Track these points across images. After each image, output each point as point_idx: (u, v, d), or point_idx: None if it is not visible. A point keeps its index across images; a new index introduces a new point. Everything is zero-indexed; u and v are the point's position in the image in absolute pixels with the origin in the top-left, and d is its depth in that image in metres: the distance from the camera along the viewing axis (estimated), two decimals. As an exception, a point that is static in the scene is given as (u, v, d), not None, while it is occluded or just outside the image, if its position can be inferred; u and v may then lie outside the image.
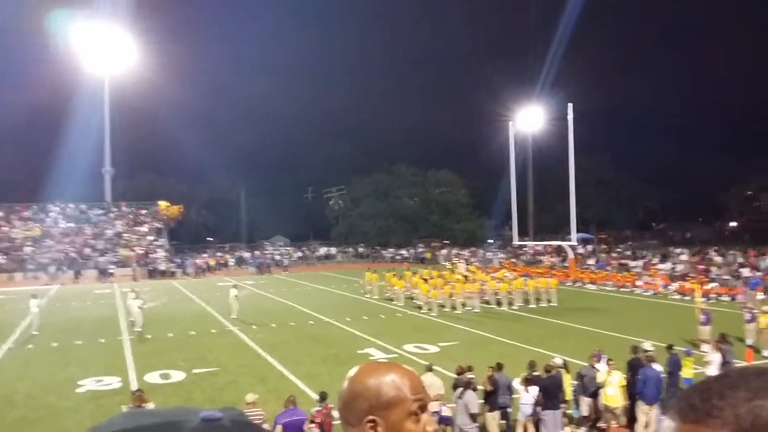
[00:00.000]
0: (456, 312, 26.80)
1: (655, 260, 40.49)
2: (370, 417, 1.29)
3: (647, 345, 13.48)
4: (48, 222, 58.68)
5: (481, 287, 29.51)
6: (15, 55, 63.32)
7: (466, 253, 60.17)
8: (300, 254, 65.41)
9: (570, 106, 39.38)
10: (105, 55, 60.41)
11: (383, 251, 67.66)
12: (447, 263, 48.64)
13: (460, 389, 11.28)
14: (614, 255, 46.63)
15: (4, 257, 51.37)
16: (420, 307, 27.67)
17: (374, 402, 1.30)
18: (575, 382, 12.68)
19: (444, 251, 62.71)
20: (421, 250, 65.42)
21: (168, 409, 0.78)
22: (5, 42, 61.90)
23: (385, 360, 14.36)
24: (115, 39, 59.73)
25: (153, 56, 65.43)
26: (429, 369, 12.39)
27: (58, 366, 17.85)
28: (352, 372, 1.38)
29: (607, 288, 35.66)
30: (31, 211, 59.72)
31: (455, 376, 12.30)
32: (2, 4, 60.73)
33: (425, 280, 29.83)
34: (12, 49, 62.20)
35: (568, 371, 12.69)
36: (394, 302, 30.18)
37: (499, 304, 28.53)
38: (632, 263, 40.71)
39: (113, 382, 15.78)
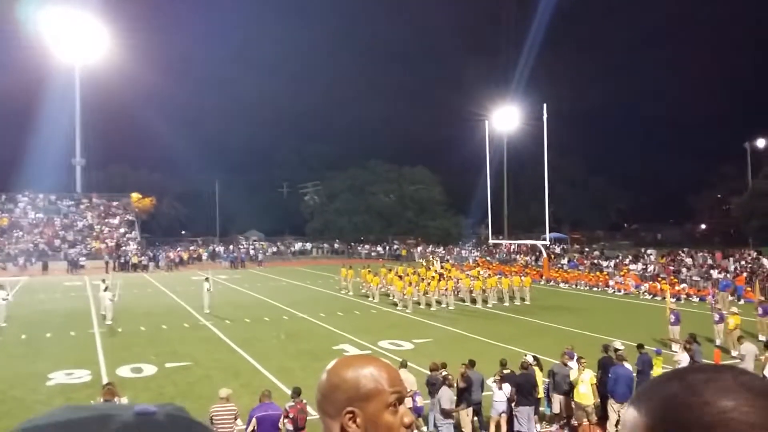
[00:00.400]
0: (431, 309, 26.93)
1: (627, 261, 41.12)
2: (349, 408, 1.30)
3: (618, 344, 13.68)
4: (17, 212, 57.64)
5: (455, 285, 29.69)
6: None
7: (441, 250, 60.46)
8: (275, 249, 65.10)
9: (545, 106, 39.81)
10: (76, 43, 59.38)
11: (359, 247, 67.66)
12: (422, 260, 48.83)
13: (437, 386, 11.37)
14: (587, 255, 47.24)
15: (-29, 247, 50.31)
16: (395, 304, 27.74)
17: (353, 394, 1.32)
18: (547, 380, 12.84)
19: (419, 248, 62.94)
20: (396, 246, 65.57)
21: (105, 404, 0.78)
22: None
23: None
24: (87, 26, 58.75)
25: (126, 45, 64.58)
26: (403, 365, 12.42)
27: (27, 359, 17.56)
28: (330, 364, 1.39)
29: (580, 287, 36.12)
30: (-1, 201, 58.55)
31: (429, 372, 12.37)
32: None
33: (400, 276, 29.91)
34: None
35: (540, 368, 12.85)
36: (369, 299, 30.22)
37: (473, 302, 28.72)
38: (604, 263, 41.30)
39: (84, 376, 15.57)
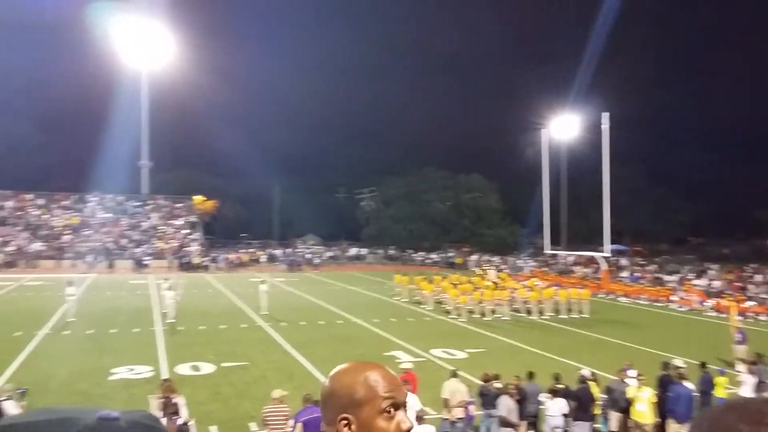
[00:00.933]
0: (485, 319, 26.70)
1: (691, 275, 39.74)
2: (344, 415, 1.34)
3: (679, 362, 13.29)
4: (86, 212, 60.09)
5: (511, 295, 29.34)
6: (58, 47, 64.93)
7: (496, 259, 59.83)
8: (331, 253, 65.75)
9: (606, 115, 38.93)
10: (144, 49, 61.62)
11: (413, 254, 67.64)
12: (477, 269, 48.41)
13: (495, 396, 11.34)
14: (649, 268, 45.88)
15: (44, 245, 52.77)
16: (449, 312, 27.62)
17: (347, 400, 1.35)
18: (604, 396, 12.56)
19: (474, 257, 62.43)
20: (451, 254, 65.21)
21: (71, 408, 0.81)
22: (49, 34, 63.57)
23: (411, 363, 14.41)
24: (154, 34, 60.89)
25: (191, 52, 66.60)
26: (454, 375, 12.37)
27: (93, 354, 18.29)
28: (333, 371, 1.43)
29: (641, 302, 35.10)
30: (70, 201, 61.23)
31: (481, 383, 12.29)
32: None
33: (454, 285, 29.78)
34: (55, 41, 63.82)
35: (597, 384, 12.59)
36: (422, 306, 30.19)
37: (529, 312, 28.31)
38: (667, 277, 40.01)
39: (145, 372, 16.11)
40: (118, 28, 60.15)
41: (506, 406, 11.26)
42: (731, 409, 0.76)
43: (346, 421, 1.33)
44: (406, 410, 1.44)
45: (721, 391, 13.00)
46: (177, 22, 63.35)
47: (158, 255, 53.63)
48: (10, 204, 57.92)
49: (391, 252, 69.37)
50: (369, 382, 1.36)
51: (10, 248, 50.70)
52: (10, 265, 47.77)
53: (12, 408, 10.44)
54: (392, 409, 1.36)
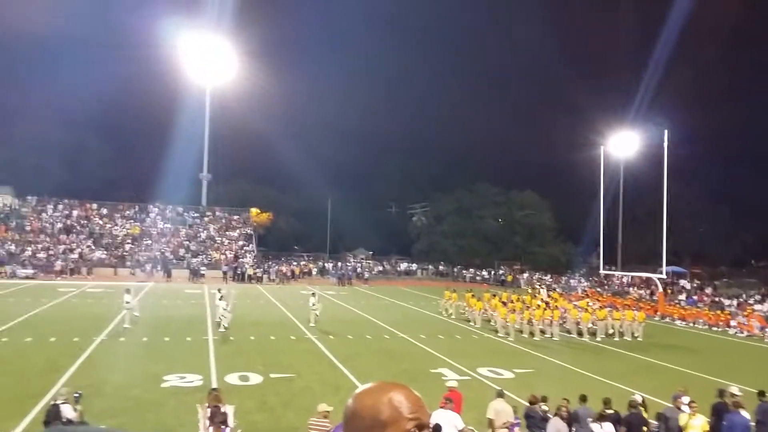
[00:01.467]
0: (534, 338, 26.27)
1: (752, 300, 38.16)
2: None
3: (735, 389, 12.78)
4: (148, 222, 62.11)
5: (562, 315, 28.78)
6: (125, 59, 67.64)
7: (548, 278, 58.85)
8: (381, 268, 65.97)
9: (665, 132, 38.00)
10: (208, 65, 63.67)
11: (464, 271, 67.18)
12: (528, 287, 47.72)
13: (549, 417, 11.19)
14: (707, 291, 44.27)
15: (106, 253, 54.75)
16: (497, 331, 27.30)
17: (370, 422, 1.35)
18: (655, 423, 12.19)
19: (526, 275, 61.57)
20: (502, 272, 64.49)
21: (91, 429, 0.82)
22: (118, 50, 66.31)
23: (456, 380, 14.32)
24: (219, 50, 62.85)
25: (251, 68, 68.43)
26: (500, 395, 12.23)
27: (147, 360, 18.85)
28: (356, 391, 1.44)
29: (698, 326, 33.89)
30: (132, 211, 63.42)
31: (527, 404, 12.12)
32: (118, 10, 65.13)
33: (504, 303, 29.43)
34: (123, 54, 66.48)
35: (646, 410, 12.23)
36: (470, 323, 29.94)
37: (580, 334, 27.70)
38: (727, 301, 38.53)
39: (195, 380, 16.49)
40: (183, 45, 62.41)
41: (556, 427, 11.07)
42: None
43: None
44: (431, 430, 1.45)
45: (780, 423, 12.43)
46: (238, 39, 65.25)
47: (214, 265, 54.89)
48: (75, 213, 60.38)
49: (441, 268, 69.07)
50: (393, 403, 1.36)
51: (73, 255, 52.79)
52: (73, 271, 49.71)
53: (68, 411, 10.88)
54: (416, 430, 1.35)
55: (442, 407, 10.87)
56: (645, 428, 11.58)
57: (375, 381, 1.49)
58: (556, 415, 11.33)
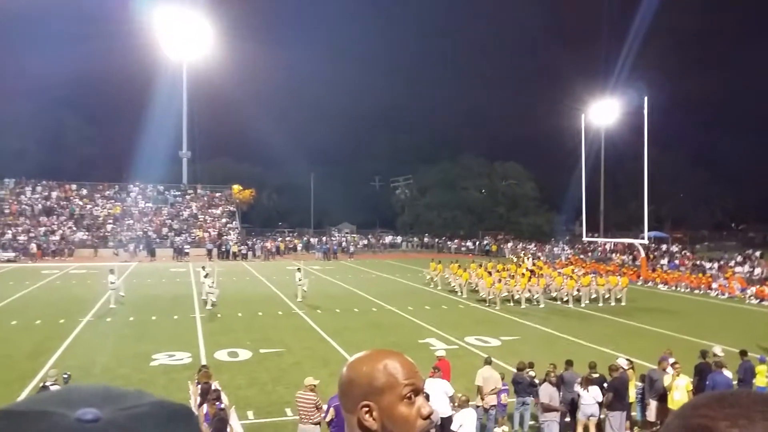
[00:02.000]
0: (521, 307, 26.56)
1: (732, 262, 38.82)
2: (365, 402, 1.35)
3: (717, 350, 13.05)
4: (128, 201, 61.49)
5: (547, 283, 29.09)
6: (100, 36, 66.28)
7: (532, 247, 59.34)
8: (366, 242, 66.07)
9: (645, 99, 38.13)
10: (184, 40, 62.54)
11: (449, 242, 67.51)
12: (513, 257, 48.10)
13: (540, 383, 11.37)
14: (689, 255, 44.94)
15: (87, 234, 54.25)
16: (484, 300, 27.54)
17: (367, 388, 1.36)
18: (639, 384, 12.43)
19: (510, 244, 62.03)
20: (486, 242, 64.90)
21: (56, 399, 0.74)
22: (92, 26, 64.94)
23: (445, 350, 14.46)
24: (195, 25, 61.73)
25: (230, 43, 67.45)
26: (488, 362, 12.38)
27: (134, 340, 18.82)
28: (350, 359, 1.45)
29: (680, 290, 34.44)
30: (113, 191, 62.74)
31: (515, 371, 12.28)
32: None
33: (489, 272, 29.65)
34: (98, 30, 65.16)
35: (634, 372, 12.46)
36: (457, 294, 30.17)
37: (566, 301, 28.04)
38: (708, 265, 39.15)
39: (184, 358, 16.51)
40: (159, 20, 61.17)
41: (547, 392, 11.23)
42: (712, 400, 0.77)
43: (367, 408, 1.35)
44: (425, 396, 1.47)
45: (762, 380, 12.75)
46: (216, 13, 64.17)
47: (198, 243, 54.63)
48: (55, 194, 59.60)
49: (426, 240, 69.34)
50: (389, 369, 1.38)
51: (55, 237, 52.25)
52: (55, 253, 49.25)
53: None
54: (413, 395, 1.37)
55: (431, 377, 11.00)
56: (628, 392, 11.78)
57: (367, 350, 1.48)
58: (545, 380, 11.49)
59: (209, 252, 51.70)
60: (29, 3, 65.31)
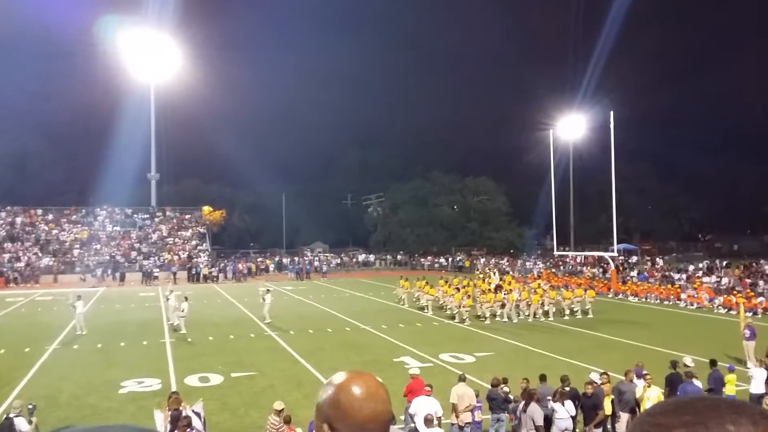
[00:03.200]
0: (484, 322, 26.56)
1: (700, 273, 39.50)
2: (323, 425, 1.38)
3: (688, 360, 13.21)
4: (96, 225, 60.45)
5: (517, 299, 29.15)
6: (65, 59, 65.54)
7: (504, 262, 59.69)
8: (338, 261, 65.84)
9: (611, 114, 38.88)
10: (151, 62, 62.11)
11: (422, 259, 67.59)
12: (478, 272, 48.33)
13: (522, 402, 11.19)
14: (657, 267, 45.63)
15: (53, 259, 53.11)
16: (453, 317, 27.51)
17: (328, 411, 1.39)
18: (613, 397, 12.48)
19: (483, 260, 62.33)
20: (459, 258, 65.12)
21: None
22: (57, 46, 64.12)
23: (419, 368, 14.37)
24: (161, 47, 61.40)
25: (196, 64, 67.23)
26: (462, 379, 12.35)
27: (102, 367, 18.37)
28: (331, 378, 1.47)
29: (650, 301, 34.90)
30: (79, 215, 61.62)
31: (489, 387, 12.26)
32: (55, 10, 63.03)
33: (458, 289, 29.62)
34: (63, 53, 64.39)
35: (603, 383, 12.53)
36: (425, 311, 30.10)
37: (534, 315, 28.06)
38: (676, 276, 39.78)
39: (154, 384, 16.16)
40: (125, 42, 60.74)
41: (538, 413, 10.98)
42: (668, 408, 0.78)
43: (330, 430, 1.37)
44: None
45: (731, 389, 12.91)
46: (182, 35, 63.91)
47: (167, 266, 53.83)
48: (20, 219, 58.34)
49: (400, 257, 69.34)
50: (348, 398, 1.39)
51: (20, 263, 51.04)
52: (20, 280, 48.08)
53: (22, 424, 10.52)
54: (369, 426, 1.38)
55: (426, 395, 11.08)
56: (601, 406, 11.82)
57: (344, 371, 1.51)
58: (531, 400, 11.26)
59: (174, 275, 50.50)
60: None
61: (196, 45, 66.26)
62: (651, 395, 11.58)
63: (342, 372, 1.48)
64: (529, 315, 28.08)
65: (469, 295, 27.97)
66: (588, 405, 11.55)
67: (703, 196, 76.04)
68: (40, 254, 53.52)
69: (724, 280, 36.22)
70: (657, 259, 52.14)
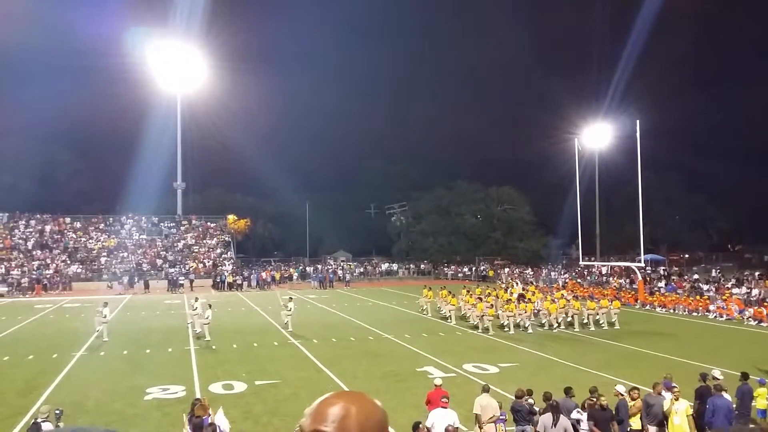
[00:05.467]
0: (509, 332, 26.31)
1: (730, 284, 38.74)
2: None
3: (717, 372, 12.92)
4: (123, 233, 61.27)
5: (536, 308, 28.89)
6: (94, 70, 66.73)
7: (529, 271, 59.19)
8: (362, 269, 65.86)
9: (637, 122, 38.44)
10: (178, 73, 63.04)
11: (445, 268, 67.31)
12: (500, 282, 47.95)
13: (550, 414, 11.05)
14: (686, 278, 44.87)
15: (81, 267, 53.92)
16: (476, 327, 27.31)
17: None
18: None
19: (507, 270, 61.87)
20: (483, 267, 64.72)
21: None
22: (85, 58, 65.30)
23: (442, 378, 14.27)
24: (188, 58, 62.30)
25: (222, 75, 68.02)
26: (485, 390, 12.22)
27: (128, 373, 18.56)
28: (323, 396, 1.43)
29: (678, 312, 34.31)
30: (107, 223, 62.51)
31: (514, 398, 12.12)
32: (83, 23, 64.34)
33: (480, 298, 29.43)
34: (91, 65, 65.55)
35: (632, 399, 12.31)
36: (448, 320, 29.93)
37: (551, 326, 27.76)
38: (705, 287, 39.06)
39: (178, 391, 16.26)
40: (152, 54, 61.76)
41: (568, 425, 10.89)
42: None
43: None
44: None
45: (762, 402, 12.61)
46: (208, 46, 64.77)
47: (192, 274, 54.33)
48: (49, 228, 59.38)
49: (423, 266, 69.16)
50: (321, 419, 1.37)
51: (49, 271, 51.90)
52: (49, 287, 48.88)
53: (49, 429, 10.65)
54: None
55: (443, 407, 10.97)
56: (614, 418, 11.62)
57: (332, 393, 1.45)
58: (554, 411, 11.16)
59: (191, 282, 51.05)
60: (22, 38, 65.81)
61: (221, 56, 67.09)
62: (679, 408, 11.34)
63: (328, 394, 1.44)
64: (545, 324, 27.80)
65: (491, 305, 27.76)
66: (604, 418, 11.29)
67: (733, 206, 74.69)
68: (68, 262, 54.38)
69: (755, 291, 35.46)
70: (686, 270, 51.24)
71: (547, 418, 10.99)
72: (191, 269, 55.83)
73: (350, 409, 1.36)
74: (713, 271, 49.79)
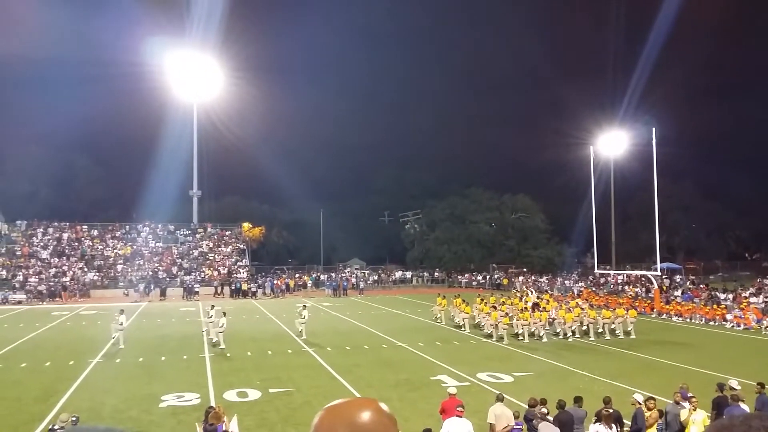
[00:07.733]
0: (524, 341, 26.18)
1: (747, 293, 38.29)
2: None
3: (734, 383, 12.79)
4: (139, 241, 61.74)
5: (550, 317, 28.72)
6: (111, 80, 67.52)
7: (543, 280, 58.87)
8: (375, 277, 65.83)
9: (653, 130, 38.21)
10: (194, 82, 63.62)
11: (459, 276, 67.13)
12: (515, 290, 47.73)
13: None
14: (703, 286, 44.40)
15: (98, 274, 54.40)
16: (491, 335, 27.21)
17: None
18: (662, 421, 12.15)
19: (521, 278, 61.58)
20: (497, 276, 64.47)
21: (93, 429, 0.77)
22: (102, 67, 66.11)
23: (456, 387, 14.23)
24: (204, 67, 62.87)
25: (238, 84, 68.57)
26: (500, 399, 12.20)
27: (143, 381, 18.67)
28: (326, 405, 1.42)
29: (694, 321, 33.96)
30: (123, 231, 63.04)
31: (527, 407, 12.07)
32: (101, 33, 65.14)
33: (495, 307, 29.32)
34: (108, 74, 66.33)
35: (649, 409, 12.22)
36: (462, 329, 29.83)
37: (566, 335, 27.57)
38: (722, 296, 38.62)
39: (193, 399, 16.35)
40: (169, 63, 62.37)
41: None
42: (722, 429, 0.76)
43: None
44: None
45: (781, 414, 12.44)
46: (225, 56, 65.38)
47: (208, 282, 54.62)
48: (66, 235, 59.99)
49: (437, 274, 68.99)
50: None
51: (66, 278, 52.41)
52: (65, 295, 49.34)
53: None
54: None
55: (458, 416, 10.96)
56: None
57: (343, 399, 1.43)
58: (543, 420, 11.20)
59: (215, 290, 51.45)
60: (42, 48, 66.81)
61: (237, 66, 67.67)
62: (696, 419, 11.25)
63: (338, 400, 1.42)
64: (559, 333, 27.63)
65: (506, 314, 27.65)
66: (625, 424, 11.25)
67: (750, 214, 73.88)
68: (85, 269, 54.90)
69: (773, 301, 35.00)
70: (703, 278, 50.69)
71: (546, 427, 10.97)
72: (207, 276, 56.13)
73: (357, 417, 1.36)
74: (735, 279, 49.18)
